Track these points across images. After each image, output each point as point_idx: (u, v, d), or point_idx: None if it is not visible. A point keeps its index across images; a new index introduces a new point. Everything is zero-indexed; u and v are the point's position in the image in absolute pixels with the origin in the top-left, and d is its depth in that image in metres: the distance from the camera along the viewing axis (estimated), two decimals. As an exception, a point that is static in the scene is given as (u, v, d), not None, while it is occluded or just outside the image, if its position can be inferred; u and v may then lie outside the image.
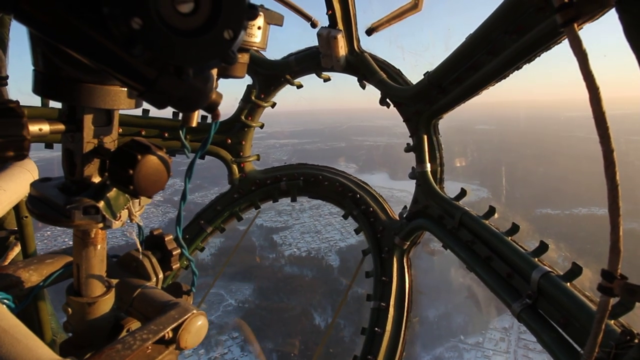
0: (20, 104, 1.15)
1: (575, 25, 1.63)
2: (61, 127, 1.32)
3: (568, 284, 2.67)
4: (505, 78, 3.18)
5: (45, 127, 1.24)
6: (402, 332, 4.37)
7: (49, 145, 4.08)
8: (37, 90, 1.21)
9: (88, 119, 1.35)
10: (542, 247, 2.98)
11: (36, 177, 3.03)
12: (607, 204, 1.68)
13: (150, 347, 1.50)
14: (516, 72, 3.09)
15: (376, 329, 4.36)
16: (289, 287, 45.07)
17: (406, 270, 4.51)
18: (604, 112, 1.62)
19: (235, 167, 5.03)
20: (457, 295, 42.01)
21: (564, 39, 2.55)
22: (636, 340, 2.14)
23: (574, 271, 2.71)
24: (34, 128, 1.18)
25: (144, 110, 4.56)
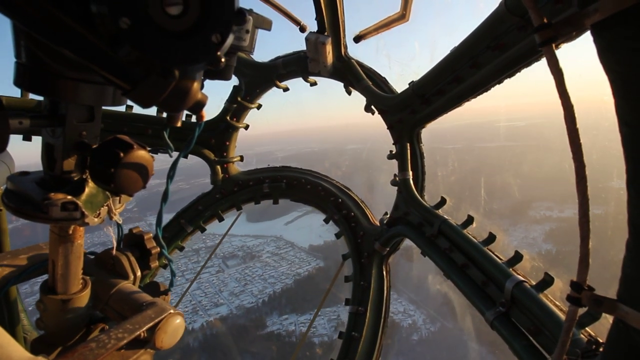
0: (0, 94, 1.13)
1: (553, 45, 1.69)
2: (42, 121, 1.30)
3: (540, 294, 2.75)
4: (487, 91, 3.27)
5: (26, 121, 1.22)
6: (379, 337, 4.41)
7: (27, 138, 3.98)
8: (18, 82, 1.18)
9: (71, 114, 1.33)
10: (517, 257, 3.06)
11: (14, 171, 2.96)
12: (578, 218, 1.74)
13: (125, 347, 1.49)
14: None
15: (353, 333, 4.39)
16: None
17: (385, 275, 4.56)
18: (577, 129, 1.69)
19: (218, 167, 4.99)
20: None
21: (543, 57, 2.64)
22: (601, 349, 2.22)
23: (546, 281, 2.79)
24: (14, 121, 1.16)
25: (127, 106, 4.49)
